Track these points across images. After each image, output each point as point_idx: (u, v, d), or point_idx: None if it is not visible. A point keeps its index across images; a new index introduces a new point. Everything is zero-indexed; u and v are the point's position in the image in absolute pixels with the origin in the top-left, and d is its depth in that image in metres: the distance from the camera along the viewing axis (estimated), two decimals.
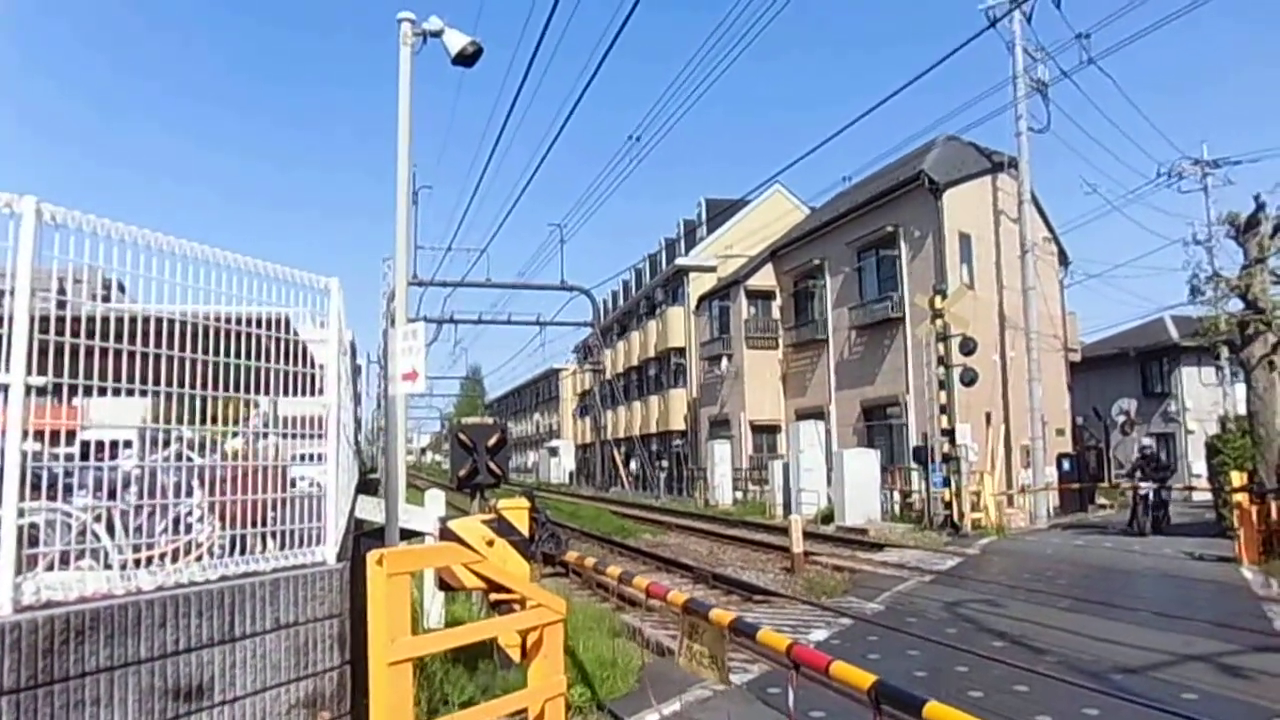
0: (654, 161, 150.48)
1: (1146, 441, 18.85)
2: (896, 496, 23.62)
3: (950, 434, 19.63)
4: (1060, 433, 26.03)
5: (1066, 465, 24.53)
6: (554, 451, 66.38)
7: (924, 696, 2.42)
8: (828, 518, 22.40)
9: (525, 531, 5.88)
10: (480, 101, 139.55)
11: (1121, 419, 31.37)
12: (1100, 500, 18.28)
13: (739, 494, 31.42)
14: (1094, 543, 16.69)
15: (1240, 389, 28.29)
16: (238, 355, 4.29)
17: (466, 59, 8.94)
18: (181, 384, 3.97)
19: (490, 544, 5.51)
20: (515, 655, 5.65)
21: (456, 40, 8.86)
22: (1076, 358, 29.68)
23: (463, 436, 9.49)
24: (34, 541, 3.67)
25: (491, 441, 9.61)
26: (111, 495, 4.29)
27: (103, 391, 3.70)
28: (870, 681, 2.55)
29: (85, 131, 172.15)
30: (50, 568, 3.66)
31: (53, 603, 3.39)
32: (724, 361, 34.73)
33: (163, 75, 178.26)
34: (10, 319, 3.29)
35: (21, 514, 3.35)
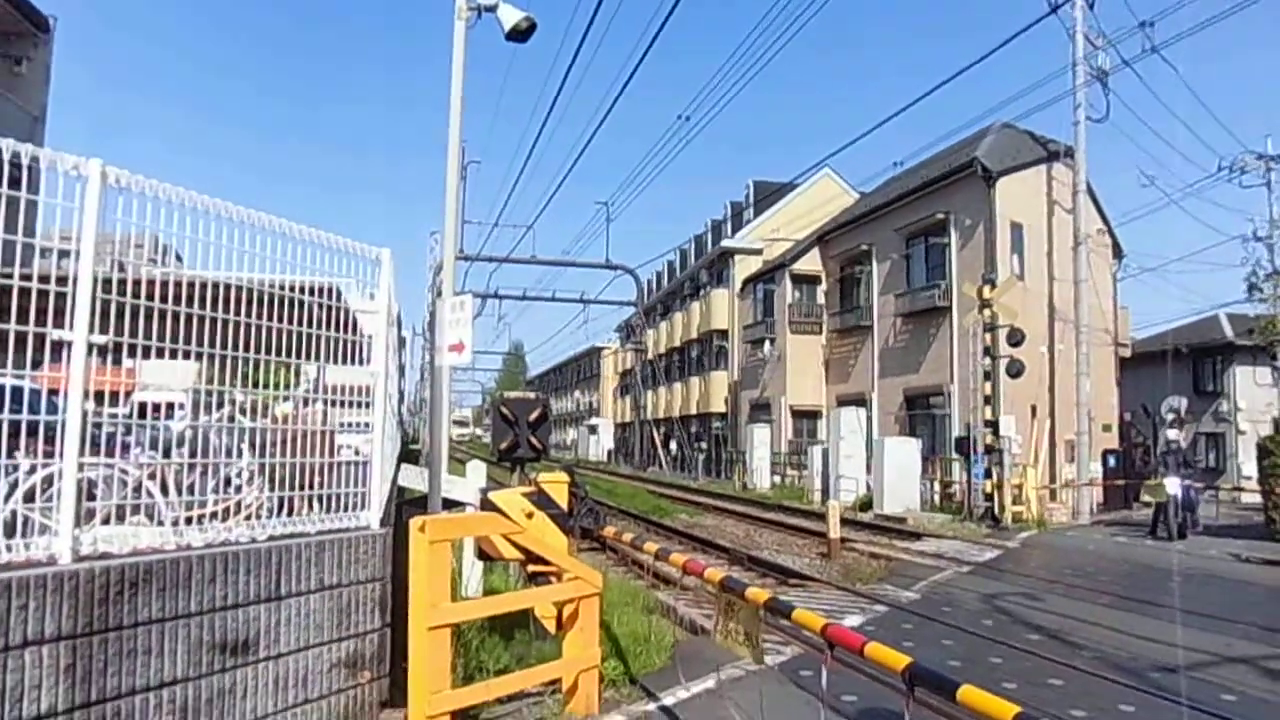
0: (701, 144, 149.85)
1: (1172, 435, 18.19)
2: (937, 487, 23.41)
3: (994, 425, 19.39)
4: (1107, 428, 25.59)
5: (1112, 461, 24.11)
6: (593, 429, 66.72)
7: (958, 680, 2.43)
8: (866, 505, 22.30)
9: (564, 506, 5.96)
10: (529, 80, 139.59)
11: (1171, 417, 30.73)
12: (1145, 498, 17.79)
13: (777, 478, 31.36)
14: (1137, 540, 16.42)
15: None
16: (288, 322, 4.39)
17: (520, 34, 8.95)
18: (233, 348, 4.07)
19: (529, 516, 5.59)
20: (550, 626, 5.74)
21: (510, 15, 8.88)
22: (1127, 353, 29.12)
23: (505, 410, 9.58)
24: (91, 496, 3.80)
25: (533, 416, 9.69)
26: (165, 454, 4.42)
27: (160, 353, 3.80)
28: (904, 663, 2.57)
29: (122, 108, 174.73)
30: (106, 521, 3.79)
31: (108, 554, 3.51)
32: (766, 345, 34.59)
33: (202, 54, 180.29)
34: (75, 279, 3.40)
35: (80, 469, 3.47)
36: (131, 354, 3.73)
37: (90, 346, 3.45)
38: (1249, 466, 31.90)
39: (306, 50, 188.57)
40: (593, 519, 6.54)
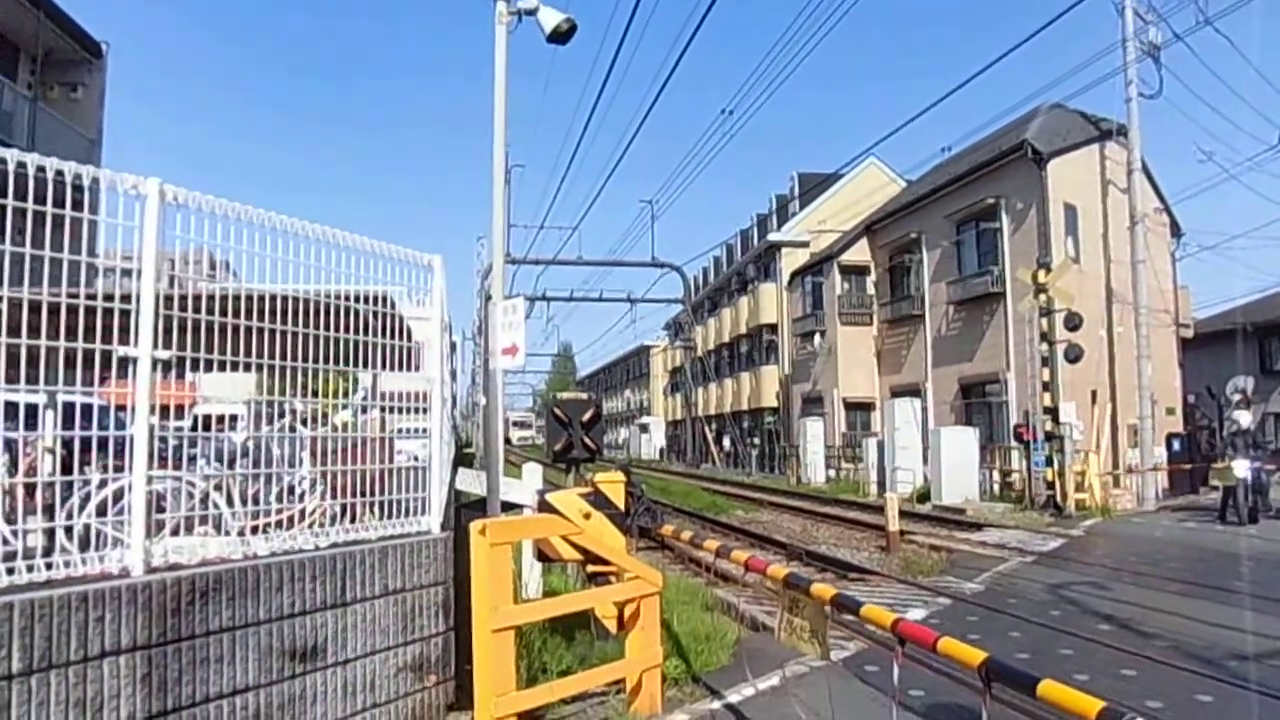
0: (744, 139, 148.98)
1: (1239, 415, 17.65)
2: (996, 476, 23.03)
3: (1053, 412, 19.02)
4: (1170, 411, 24.98)
5: (1176, 445, 23.49)
6: (644, 428, 66.75)
7: (1037, 675, 2.37)
8: (924, 496, 22.01)
9: (621, 505, 5.95)
10: (570, 83, 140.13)
11: (1237, 398, 29.91)
12: (1214, 481, 17.28)
13: (831, 472, 31.09)
14: (1206, 526, 15.98)
15: None
16: (344, 331, 4.44)
17: (561, 36, 8.97)
18: (290, 358, 4.13)
19: (587, 517, 5.59)
20: (612, 626, 5.74)
21: (551, 18, 8.90)
22: (1189, 333, 28.39)
23: (558, 411, 9.63)
24: (160, 508, 3.87)
25: (586, 417, 9.74)
26: (229, 465, 4.50)
27: (219, 366, 3.87)
28: (981, 659, 2.51)
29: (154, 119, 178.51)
30: (174, 533, 3.87)
31: (179, 565, 3.57)
32: (817, 338, 34.31)
33: (231, 76, 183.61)
34: (138, 296, 3.46)
35: (149, 481, 3.54)
36: (194, 368, 3.80)
37: (154, 362, 3.51)
38: None
39: (344, 66, 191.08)
40: (650, 518, 6.53)
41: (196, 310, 3.69)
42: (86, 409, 3.59)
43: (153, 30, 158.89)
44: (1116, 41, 22.14)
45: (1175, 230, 27.56)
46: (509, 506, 7.85)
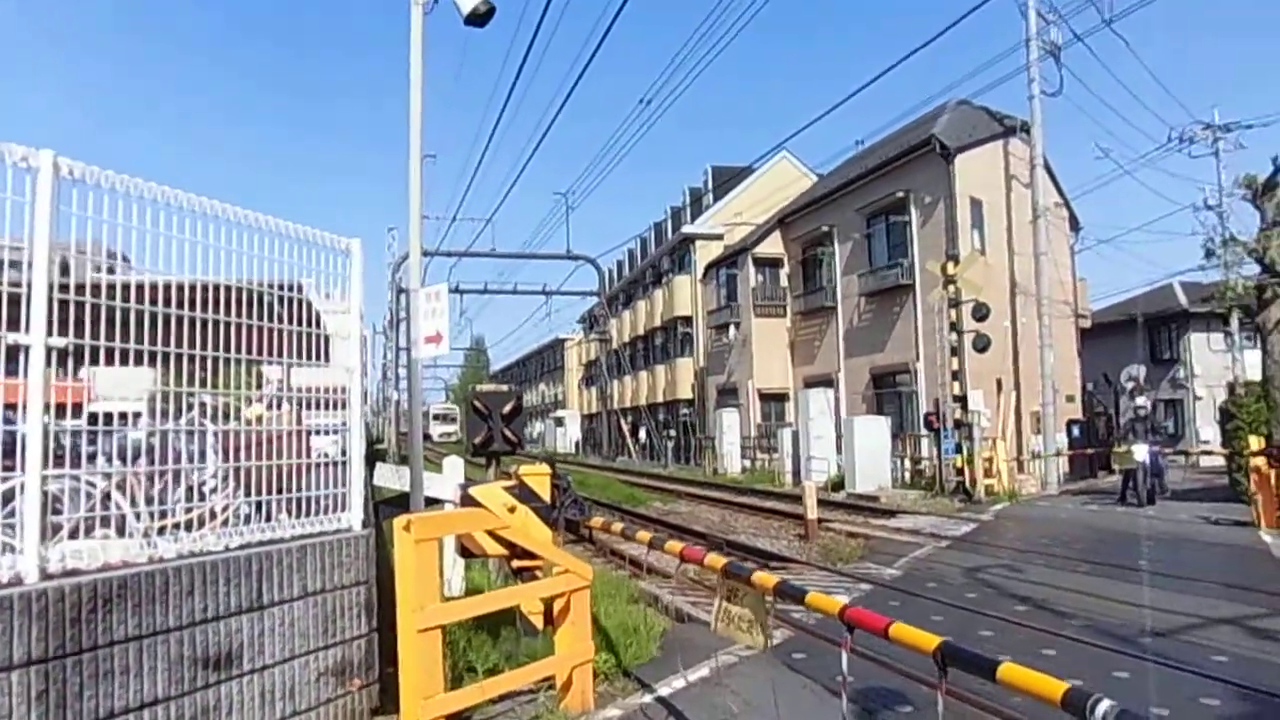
0: (659, 131, 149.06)
1: (1141, 401, 18.42)
2: (907, 464, 23.56)
3: (962, 400, 19.52)
4: (1070, 399, 25.90)
5: (1076, 431, 24.37)
6: (560, 421, 66.43)
7: (996, 658, 2.33)
8: (838, 485, 22.37)
9: (547, 498, 5.80)
10: (484, 69, 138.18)
11: (1130, 385, 31.22)
12: (1116, 465, 17.96)
13: (747, 462, 31.39)
14: (1107, 509, 16.59)
15: (1249, 355, 28.27)
16: (254, 318, 4.19)
17: (479, 18, 8.71)
18: (195, 348, 3.87)
19: (512, 510, 5.43)
20: (538, 622, 5.60)
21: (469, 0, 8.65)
22: (1087, 324, 29.48)
23: (478, 404, 9.40)
24: (56, 509, 3.59)
25: (507, 409, 9.52)
26: (131, 463, 4.19)
27: (121, 357, 3.59)
28: (935, 643, 2.46)
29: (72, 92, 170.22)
30: (73, 536, 3.58)
31: (78, 571, 3.30)
32: (731, 330, 34.58)
33: (143, 36, 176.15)
34: (29, 281, 3.18)
35: (44, 481, 3.26)
36: (94, 360, 3.51)
37: (49, 351, 3.23)
38: (1206, 431, 32.59)
39: (237, 29, 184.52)
40: (577, 510, 6.39)
41: (94, 298, 3.42)
42: None
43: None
44: (1021, 41, 22.82)
45: (1074, 224, 28.56)
46: (430, 502, 7.64)
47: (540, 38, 38.44)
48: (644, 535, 5.16)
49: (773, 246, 33.80)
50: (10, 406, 3.31)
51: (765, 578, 3.49)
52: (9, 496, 3.35)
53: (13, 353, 3.15)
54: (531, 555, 5.35)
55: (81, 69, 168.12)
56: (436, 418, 78.44)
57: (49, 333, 3.21)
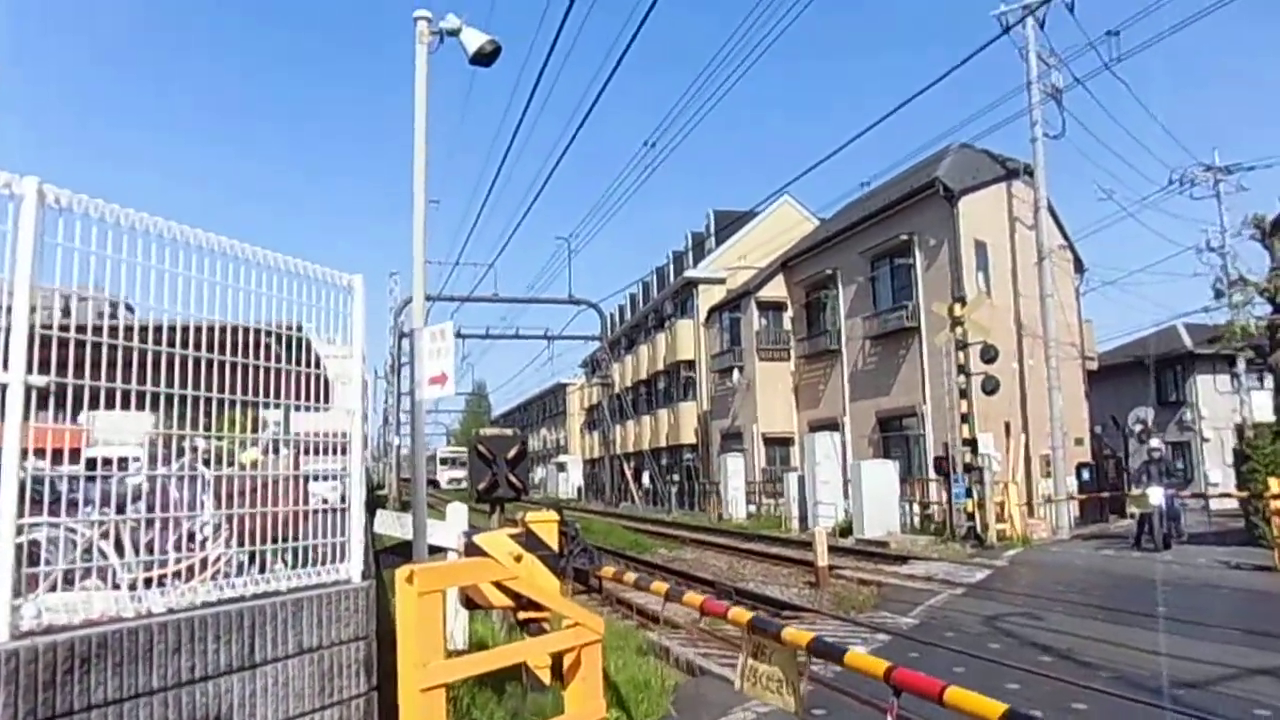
0: (661, 176, 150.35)
1: (1155, 444, 18.14)
2: (915, 508, 23.19)
3: (972, 444, 19.24)
4: (1079, 442, 25.60)
5: (1086, 475, 24.07)
6: (561, 466, 65.89)
7: None
8: (845, 530, 21.99)
9: (555, 546, 5.55)
10: (486, 116, 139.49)
11: (1139, 428, 30.92)
12: (1132, 509, 17.60)
13: (752, 507, 30.97)
14: (1122, 553, 16.26)
15: (1257, 396, 28.02)
16: (252, 357, 3.98)
17: (484, 58, 8.63)
18: (193, 388, 3.66)
19: (518, 559, 5.18)
20: (545, 677, 5.31)
21: (474, 39, 8.56)
22: (1094, 366, 29.28)
23: (482, 448, 9.15)
24: (34, 560, 3.35)
25: (511, 454, 9.27)
26: (119, 510, 3.95)
27: (109, 397, 3.37)
28: (1000, 711, 2.22)
29: (70, 129, 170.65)
30: (53, 588, 3.34)
31: (55, 628, 3.05)
32: (735, 374, 34.36)
33: (147, 71, 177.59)
34: (8, 310, 2.98)
35: (20, 530, 3.03)
36: (90, 407, 3.30)
37: (29, 390, 3.02)
38: (1215, 473, 32.24)
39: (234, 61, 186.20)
40: (587, 558, 6.13)
41: (79, 346, 3.21)
42: None
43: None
44: (1022, 85, 22.90)
45: (1079, 266, 28.50)
46: (433, 550, 7.37)
47: (543, 84, 38.79)
48: (660, 586, 4.90)
49: (776, 290, 33.71)
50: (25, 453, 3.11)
51: (797, 634, 3.23)
52: None
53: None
54: (538, 606, 5.08)
55: (64, 102, 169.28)
56: (444, 462, 72.24)
57: (30, 369, 2.99)
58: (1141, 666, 7.43)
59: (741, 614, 3.68)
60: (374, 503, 13.24)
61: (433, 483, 64.67)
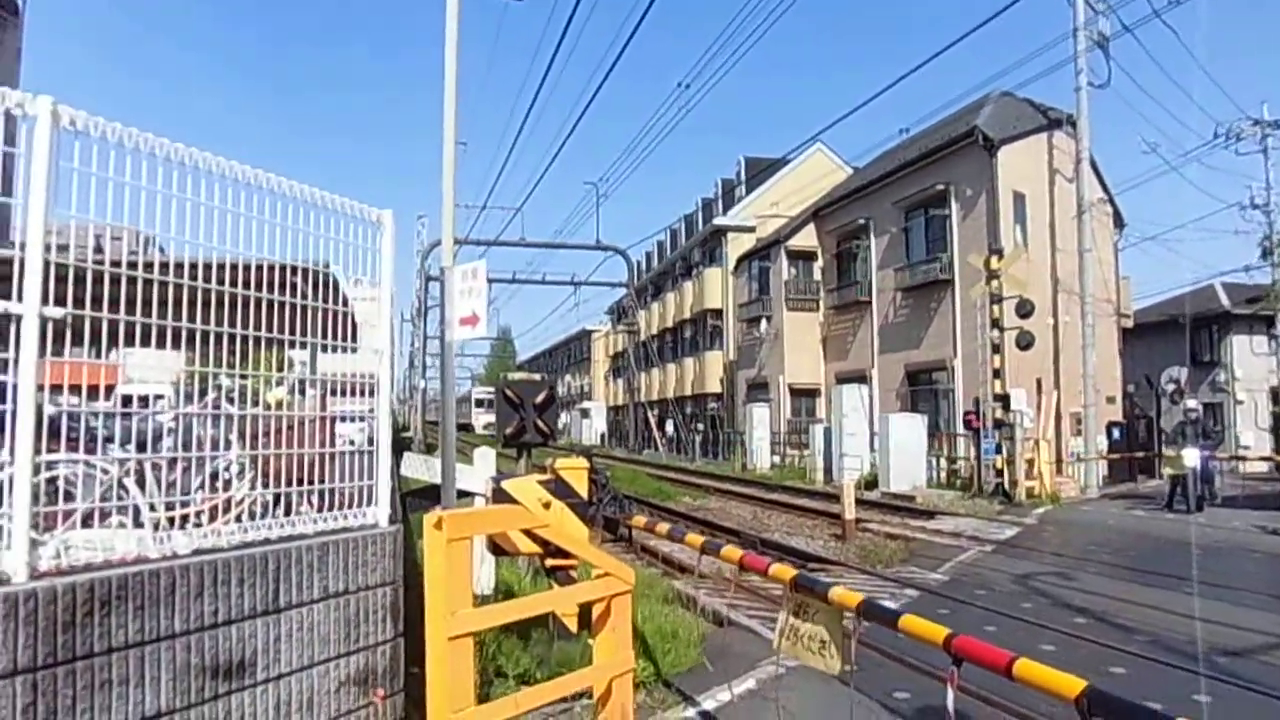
0: (692, 124, 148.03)
1: (1192, 404, 17.71)
2: (943, 463, 22.98)
3: (1004, 399, 18.96)
4: (1111, 400, 25.19)
5: (1116, 434, 23.74)
6: (585, 413, 66.03)
7: (1168, 713, 1.92)
8: (871, 483, 21.84)
9: (584, 494, 5.43)
10: (514, 61, 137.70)
11: (1171, 388, 30.40)
12: (1167, 470, 17.26)
13: (777, 458, 30.87)
14: (1154, 514, 16.01)
15: None
16: (279, 293, 3.84)
17: None
18: (210, 324, 3.53)
19: (547, 506, 5.06)
20: (572, 625, 5.22)
21: None
22: (1129, 324, 28.72)
23: (510, 393, 9.04)
24: (55, 497, 3.25)
25: (539, 399, 9.16)
26: (143, 448, 3.85)
27: (136, 333, 3.24)
28: (1080, 688, 2.06)
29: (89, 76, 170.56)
30: (76, 526, 3.25)
31: (76, 568, 2.96)
32: (763, 323, 34.06)
33: (177, 33, 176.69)
34: (22, 244, 2.84)
35: (38, 469, 2.91)
36: (114, 341, 3.17)
37: (45, 322, 2.88)
38: (1247, 436, 31.74)
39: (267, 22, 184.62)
40: (617, 507, 6.02)
41: (115, 277, 3.07)
42: None
43: None
44: (1067, 32, 22.14)
45: (1118, 221, 27.82)
46: (460, 495, 7.29)
47: (574, 25, 38.07)
48: (694, 539, 4.76)
49: (807, 239, 33.22)
50: (41, 388, 2.99)
51: (846, 595, 3.08)
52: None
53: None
54: (566, 554, 4.98)
55: (89, 62, 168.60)
56: (480, 404, 68.18)
57: (45, 301, 2.86)
58: (1179, 631, 7.26)
59: (784, 571, 3.53)
60: (399, 445, 13.22)
61: (465, 426, 64.62)
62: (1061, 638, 6.91)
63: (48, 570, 2.87)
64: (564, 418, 73.96)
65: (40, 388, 2.89)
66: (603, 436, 61.00)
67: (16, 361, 2.81)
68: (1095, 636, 6.99)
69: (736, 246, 39.14)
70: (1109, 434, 23.35)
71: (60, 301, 2.94)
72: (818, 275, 33.06)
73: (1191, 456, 15.87)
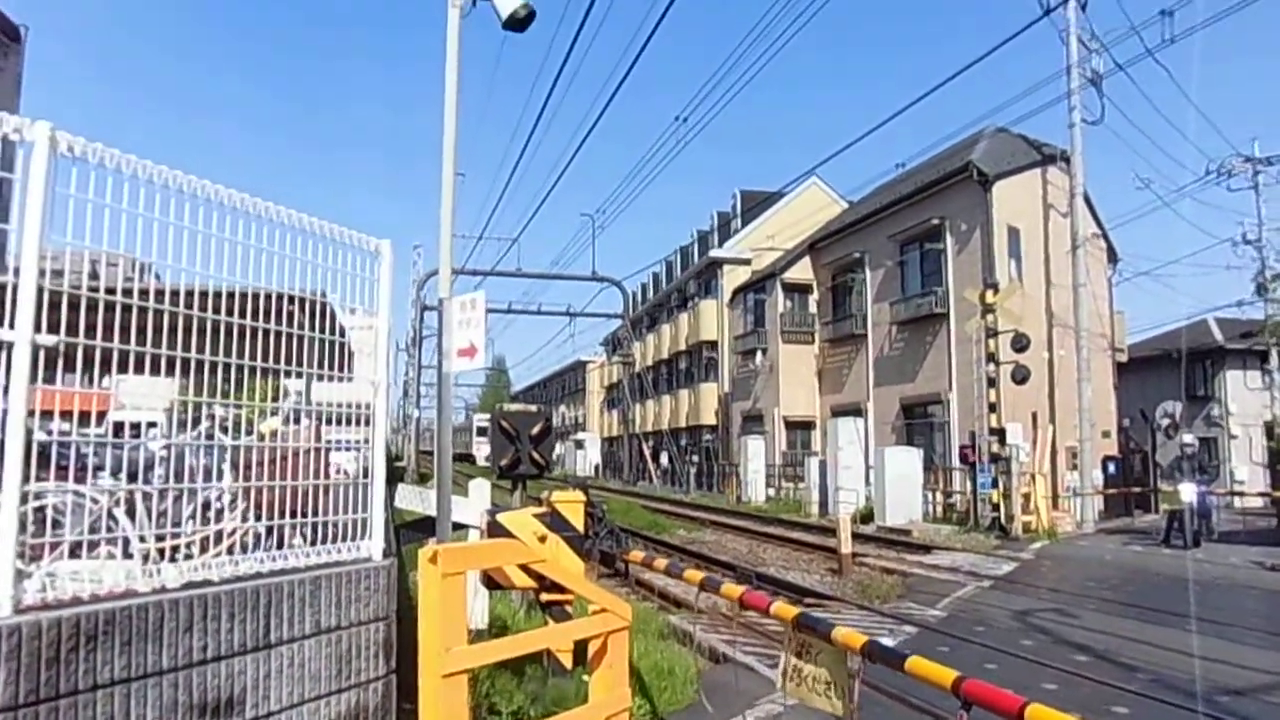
0: (688, 157, 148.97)
1: (1189, 439, 17.67)
2: (938, 497, 22.88)
3: (1000, 433, 18.92)
4: (1106, 435, 25.17)
5: (1112, 468, 23.70)
6: (579, 444, 65.78)
7: None
8: (867, 517, 21.72)
9: (580, 527, 5.36)
10: (513, 93, 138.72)
11: (1166, 422, 30.38)
12: (1164, 505, 17.15)
13: (772, 490, 30.75)
14: (1152, 550, 15.92)
15: None
16: (275, 323, 3.79)
17: (518, 22, 8.36)
18: (204, 352, 3.48)
19: (542, 540, 5.00)
20: (567, 661, 5.14)
21: (508, 2, 8.30)
22: (1124, 358, 28.77)
23: (505, 424, 8.99)
24: (43, 527, 3.18)
25: (535, 430, 9.11)
26: (134, 477, 3.78)
27: (129, 360, 3.19)
28: None
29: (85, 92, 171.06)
30: (63, 557, 3.17)
31: (62, 602, 2.88)
32: (758, 355, 34.08)
33: (186, 47, 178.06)
34: (17, 269, 2.79)
35: (25, 498, 2.85)
36: (110, 370, 3.12)
37: (37, 350, 2.83)
38: (1242, 470, 31.73)
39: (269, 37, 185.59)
40: (613, 541, 5.94)
41: (96, 310, 3.03)
42: None
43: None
44: (1061, 70, 22.34)
45: (1112, 256, 27.97)
46: (454, 527, 7.19)
47: (572, 58, 38.38)
48: (693, 575, 4.69)
49: (802, 272, 33.32)
50: (47, 414, 2.95)
51: (851, 636, 3.02)
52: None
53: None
54: (561, 588, 4.90)
55: (86, 70, 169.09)
56: (482, 433, 63.78)
57: (38, 328, 2.81)
58: (1182, 670, 7.18)
59: (786, 609, 3.46)
60: (393, 475, 13.12)
61: (465, 457, 63.79)
62: (1063, 676, 6.81)
63: (33, 604, 2.80)
64: (558, 449, 73.69)
65: (31, 414, 2.83)
66: (597, 468, 60.75)
67: (7, 389, 2.76)
68: (1097, 675, 6.89)
69: (732, 279, 39.24)
70: (1104, 468, 23.31)
71: (54, 327, 2.89)
72: (813, 308, 33.13)
73: (1188, 491, 15.82)
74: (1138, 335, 34.01)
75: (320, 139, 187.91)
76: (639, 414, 49.49)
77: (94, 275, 3.31)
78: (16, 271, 2.79)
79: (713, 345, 40.98)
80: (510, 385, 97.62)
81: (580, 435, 67.31)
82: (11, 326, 2.77)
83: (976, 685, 2.41)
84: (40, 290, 2.79)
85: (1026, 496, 18.63)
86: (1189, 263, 78.65)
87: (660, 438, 46.70)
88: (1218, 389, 33.87)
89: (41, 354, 2.84)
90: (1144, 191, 32.12)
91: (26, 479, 2.82)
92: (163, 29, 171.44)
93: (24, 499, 2.83)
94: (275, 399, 4.56)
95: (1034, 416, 22.05)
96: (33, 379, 2.82)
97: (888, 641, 8.25)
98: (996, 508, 18.63)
